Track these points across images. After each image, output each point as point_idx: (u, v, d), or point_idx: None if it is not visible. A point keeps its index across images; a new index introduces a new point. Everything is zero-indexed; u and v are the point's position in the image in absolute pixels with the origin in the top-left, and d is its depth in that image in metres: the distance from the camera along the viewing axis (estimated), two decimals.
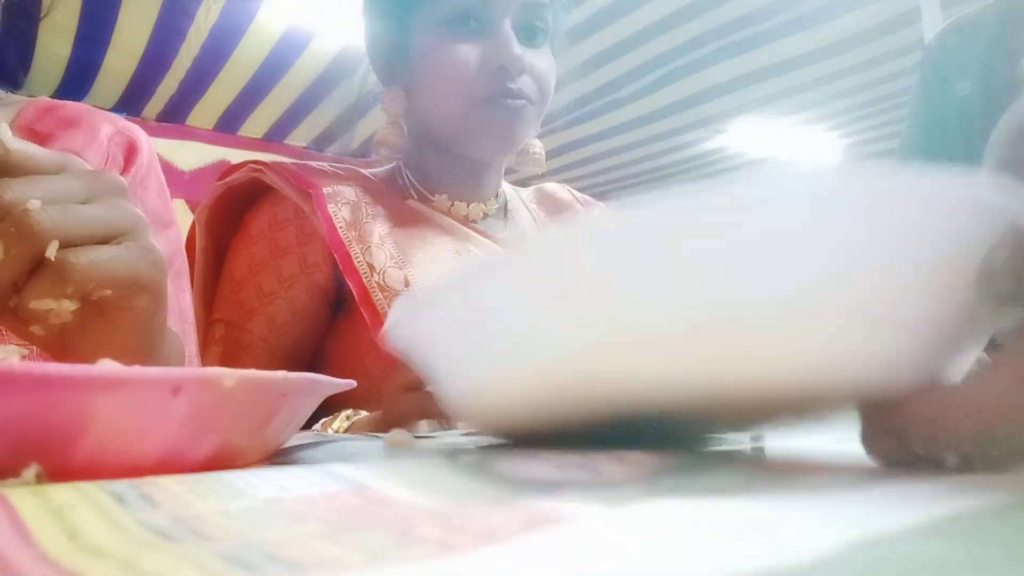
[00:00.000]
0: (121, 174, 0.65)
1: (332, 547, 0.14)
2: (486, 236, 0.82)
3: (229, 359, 0.75)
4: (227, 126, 4.47)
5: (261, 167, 0.77)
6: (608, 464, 0.23)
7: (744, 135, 4.72)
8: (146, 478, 0.21)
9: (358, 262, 0.73)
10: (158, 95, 3.98)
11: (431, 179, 0.84)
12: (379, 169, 0.88)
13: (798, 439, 0.35)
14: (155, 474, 0.22)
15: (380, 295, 0.71)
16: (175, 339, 0.53)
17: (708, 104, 4.22)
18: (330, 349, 0.77)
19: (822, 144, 4.95)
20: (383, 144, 0.80)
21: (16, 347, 0.28)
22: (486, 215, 0.85)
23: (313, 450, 0.33)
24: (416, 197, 0.83)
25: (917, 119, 1.79)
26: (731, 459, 0.26)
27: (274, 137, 4.62)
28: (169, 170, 4.36)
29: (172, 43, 3.37)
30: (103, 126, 0.66)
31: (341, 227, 0.74)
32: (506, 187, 0.91)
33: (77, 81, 3.55)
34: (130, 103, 4.04)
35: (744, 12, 3.24)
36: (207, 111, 4.24)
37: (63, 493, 0.18)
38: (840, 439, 0.35)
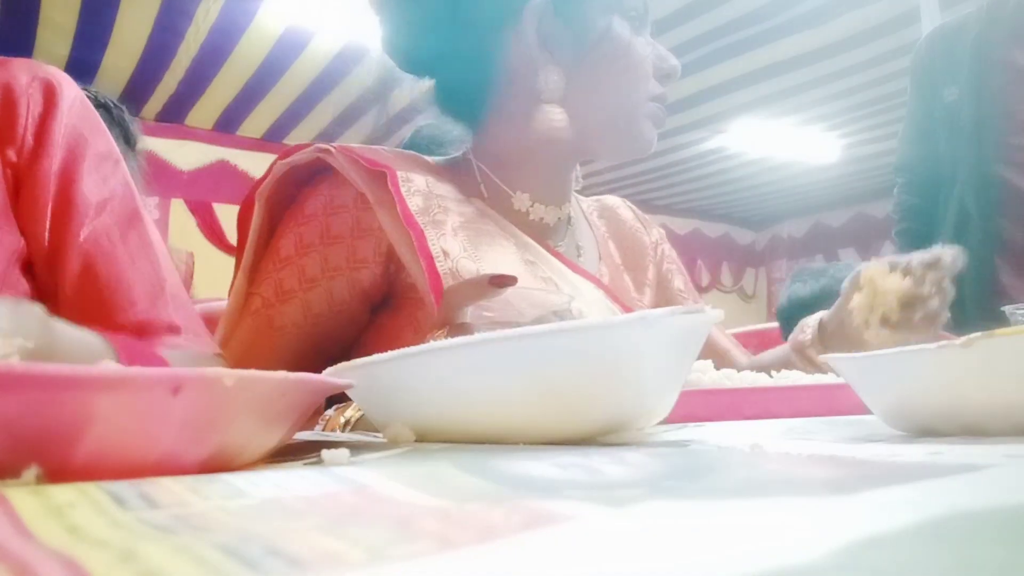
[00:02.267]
0: (44, 114, 0.64)
1: (332, 541, 0.14)
2: (547, 247, 0.79)
3: (260, 336, 0.74)
4: (226, 126, 4.47)
5: (329, 149, 0.73)
6: (608, 465, 0.23)
7: (744, 135, 4.73)
8: (146, 478, 0.21)
9: (433, 245, 0.70)
10: (157, 95, 3.98)
11: (515, 176, 0.80)
12: (441, 159, 0.84)
13: (798, 440, 0.35)
14: (155, 474, 0.22)
15: (451, 283, 0.67)
16: (88, 346, 0.52)
17: (708, 104, 4.23)
18: (371, 345, 0.76)
19: (821, 144, 4.95)
20: (550, 129, 0.75)
21: (20, 341, 0.28)
22: (559, 220, 0.82)
23: (313, 450, 0.33)
24: (487, 195, 0.79)
25: (911, 124, 1.80)
26: (730, 460, 0.26)
27: (273, 137, 4.62)
28: (168, 169, 4.37)
29: (171, 43, 3.37)
30: (19, 73, 0.65)
31: (415, 209, 0.71)
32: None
33: (76, 80, 3.55)
34: (129, 103, 4.01)
35: (744, 12, 3.24)
36: (206, 111, 4.24)
37: (63, 493, 0.18)
38: (840, 439, 0.35)
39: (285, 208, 0.77)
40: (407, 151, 0.82)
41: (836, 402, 0.51)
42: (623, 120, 0.76)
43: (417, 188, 0.74)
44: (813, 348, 0.78)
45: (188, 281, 1.91)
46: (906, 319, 0.66)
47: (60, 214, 0.62)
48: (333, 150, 0.73)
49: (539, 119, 0.75)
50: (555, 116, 0.75)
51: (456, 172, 0.81)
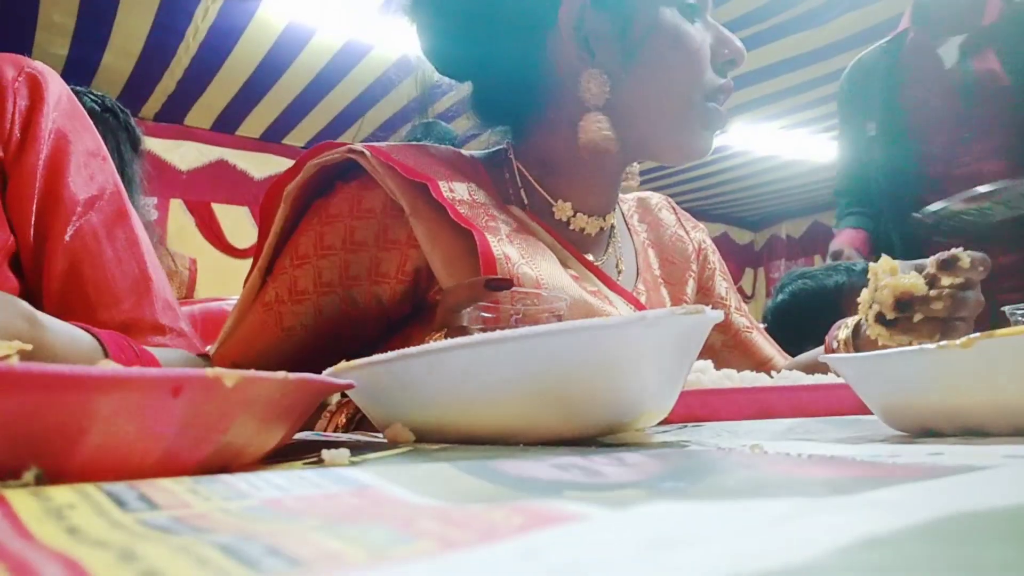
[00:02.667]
0: (31, 108, 0.64)
1: (332, 541, 0.14)
2: (584, 262, 0.75)
3: (267, 330, 0.72)
4: (225, 126, 4.47)
5: (364, 152, 0.69)
6: (609, 466, 0.23)
7: (743, 135, 4.73)
8: (146, 479, 0.21)
9: (495, 248, 0.66)
10: (156, 95, 3.98)
11: (558, 184, 0.75)
12: (479, 153, 0.79)
13: (798, 440, 0.35)
14: (155, 474, 0.22)
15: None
16: (76, 340, 0.53)
17: None
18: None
19: (820, 144, 4.95)
20: (596, 139, 0.69)
21: (18, 344, 0.28)
22: (602, 230, 0.78)
23: (313, 450, 0.33)
24: (525, 201, 0.75)
25: (843, 153, 1.81)
26: (730, 460, 0.26)
27: (272, 137, 4.63)
28: (166, 169, 4.37)
29: (170, 43, 3.37)
30: (6, 68, 0.65)
31: (465, 215, 0.67)
32: None
33: (74, 80, 3.55)
34: (128, 103, 4.01)
35: (743, 12, 3.24)
36: (205, 111, 4.24)
37: (63, 494, 0.18)
38: (840, 439, 0.35)
39: (308, 200, 0.74)
40: (442, 148, 0.77)
41: (836, 402, 0.51)
42: (675, 124, 0.70)
43: (461, 197, 0.69)
44: (843, 348, 0.74)
45: (191, 287, 1.91)
46: (905, 320, 0.60)
47: (46, 211, 0.62)
48: (367, 153, 0.69)
49: (583, 128, 0.69)
50: (599, 125, 0.69)
51: (494, 173, 0.77)
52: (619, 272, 0.79)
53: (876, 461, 0.25)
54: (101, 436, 0.20)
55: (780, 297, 1.56)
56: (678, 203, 0.99)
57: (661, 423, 0.40)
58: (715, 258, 0.94)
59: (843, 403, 0.50)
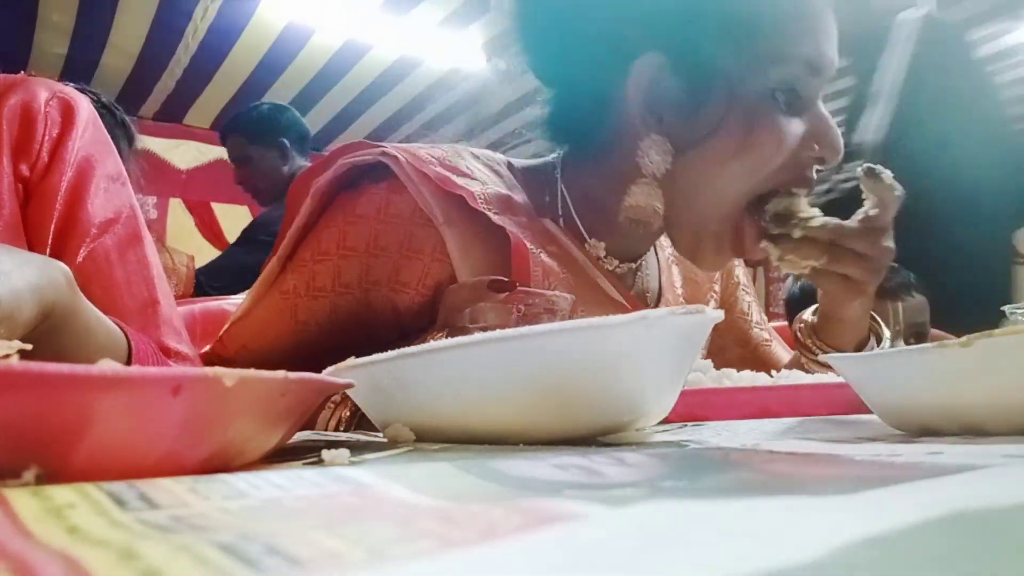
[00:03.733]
0: (62, 133, 0.65)
1: (332, 540, 0.14)
2: (616, 286, 0.72)
3: (280, 319, 0.72)
4: None
5: (395, 154, 0.67)
6: (608, 465, 0.23)
7: None
8: (146, 479, 0.21)
9: (534, 266, 0.65)
10: (155, 94, 3.97)
11: (597, 221, 0.72)
12: (521, 162, 0.77)
13: (798, 440, 0.35)
14: (155, 474, 0.22)
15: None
16: (108, 332, 0.54)
17: None
18: None
19: None
20: (642, 210, 0.65)
21: (18, 344, 0.28)
22: (630, 270, 0.76)
23: (313, 450, 0.33)
24: (562, 221, 0.73)
25: None
26: (730, 460, 0.26)
27: None
28: (166, 169, 4.37)
29: (169, 42, 3.36)
30: (39, 91, 0.66)
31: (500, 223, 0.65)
32: None
33: (74, 80, 3.54)
34: (127, 102, 4.01)
35: None
36: (204, 110, 4.24)
37: (63, 494, 0.18)
38: (840, 439, 0.35)
39: (333, 193, 0.73)
40: (482, 151, 0.75)
41: (836, 402, 0.51)
42: (715, 223, 0.65)
43: (494, 210, 0.67)
44: (805, 326, 0.75)
45: (189, 284, 1.92)
46: (785, 237, 0.60)
47: (63, 232, 0.64)
48: (401, 159, 0.67)
49: (633, 192, 0.66)
50: (650, 197, 0.65)
51: (533, 185, 0.74)
52: (647, 303, 0.78)
53: (876, 461, 0.25)
54: (101, 436, 0.20)
55: (792, 290, 1.57)
56: None
57: (661, 423, 0.40)
58: (740, 272, 0.92)
59: (843, 403, 0.50)
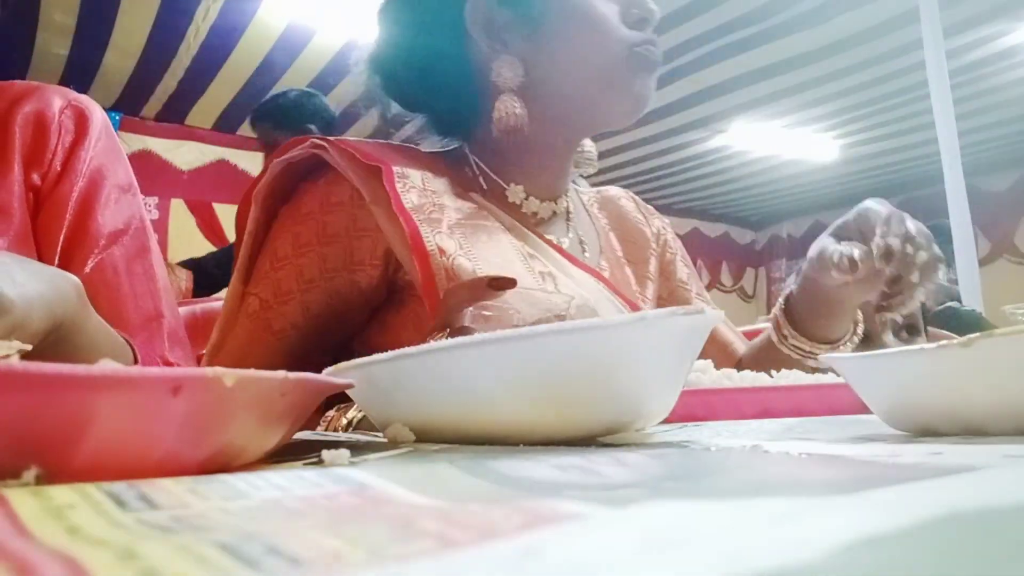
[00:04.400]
0: (75, 143, 0.65)
1: (332, 540, 0.14)
2: (547, 241, 0.78)
3: (257, 338, 0.73)
4: (226, 125, 4.47)
5: (324, 145, 0.72)
6: (608, 466, 0.23)
7: (743, 135, 4.73)
8: (146, 479, 0.21)
9: (428, 242, 0.69)
10: (157, 94, 3.98)
11: (508, 168, 0.79)
12: (439, 151, 0.83)
13: (798, 440, 0.35)
14: (155, 474, 0.22)
15: (445, 281, 0.67)
16: (114, 346, 0.54)
17: (707, 104, 4.23)
18: (373, 341, 0.75)
19: (821, 144, 4.95)
20: (507, 118, 0.73)
21: (18, 344, 0.28)
22: (555, 214, 0.82)
23: (313, 450, 0.33)
24: (484, 188, 0.79)
25: None
26: (730, 460, 0.26)
27: None
28: (168, 169, 4.37)
29: (171, 42, 3.37)
30: (54, 99, 0.66)
31: (410, 206, 0.70)
32: (570, 190, 0.87)
33: (75, 80, 3.55)
34: (129, 103, 4.04)
35: (744, 12, 3.24)
36: (206, 110, 4.24)
37: (63, 494, 0.18)
38: (840, 439, 0.35)
39: (282, 205, 0.76)
40: (404, 144, 0.81)
41: (836, 402, 0.51)
42: (600, 87, 0.73)
43: (413, 184, 0.72)
44: (781, 316, 0.78)
45: (187, 297, 1.96)
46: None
47: (72, 242, 0.64)
48: (328, 145, 0.72)
49: (496, 109, 0.73)
50: (508, 105, 0.73)
51: (453, 165, 0.80)
52: (584, 251, 0.83)
53: (876, 461, 0.25)
54: (101, 436, 0.20)
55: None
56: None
57: (661, 423, 0.40)
58: (676, 245, 0.97)
59: (843, 403, 0.50)
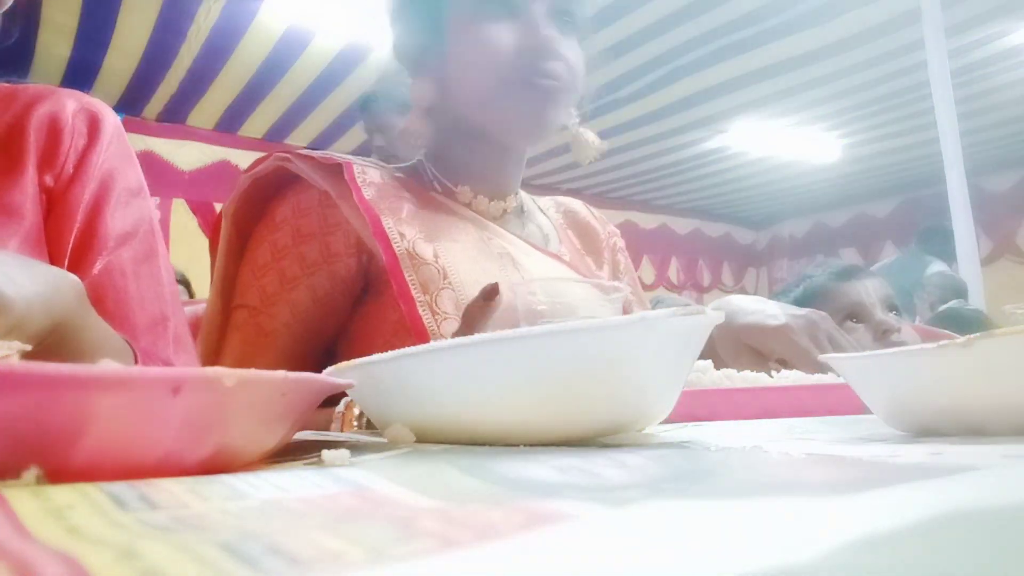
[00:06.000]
0: (87, 146, 0.66)
1: (333, 540, 0.14)
2: (507, 231, 0.83)
3: (251, 345, 0.75)
4: (227, 126, 4.47)
5: (288, 156, 0.77)
6: (608, 468, 0.23)
7: (744, 135, 4.72)
8: (146, 480, 0.21)
9: (388, 228, 0.74)
10: (158, 95, 3.98)
11: (454, 171, 0.85)
12: (401, 165, 0.89)
13: (798, 440, 0.35)
14: (155, 475, 0.22)
15: (409, 262, 0.72)
16: (115, 347, 0.54)
17: (708, 104, 4.22)
18: (356, 332, 0.78)
19: (822, 144, 4.95)
20: (410, 133, 0.82)
21: (18, 344, 0.28)
22: (505, 212, 0.86)
23: (313, 450, 0.33)
24: (439, 190, 0.84)
25: None
26: (730, 460, 0.26)
27: (274, 137, 4.62)
28: (169, 170, 4.37)
29: (172, 43, 3.37)
30: (67, 102, 0.67)
31: (371, 197, 0.75)
32: (521, 192, 0.92)
33: (77, 81, 3.55)
34: (130, 103, 4.04)
35: (744, 12, 3.23)
36: (207, 111, 4.24)
37: (63, 495, 0.18)
38: (840, 439, 0.35)
39: (255, 225, 0.80)
40: (369, 159, 0.86)
41: (836, 402, 0.51)
42: (493, 110, 0.78)
43: (371, 180, 0.78)
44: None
45: None
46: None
47: (81, 244, 0.64)
48: (291, 157, 0.77)
49: (407, 124, 0.82)
50: (412, 122, 0.82)
51: (412, 174, 0.86)
52: (546, 243, 0.89)
53: (876, 461, 0.25)
54: (101, 436, 0.20)
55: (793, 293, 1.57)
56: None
57: (661, 423, 0.40)
58: (626, 256, 1.03)
59: (843, 403, 0.50)
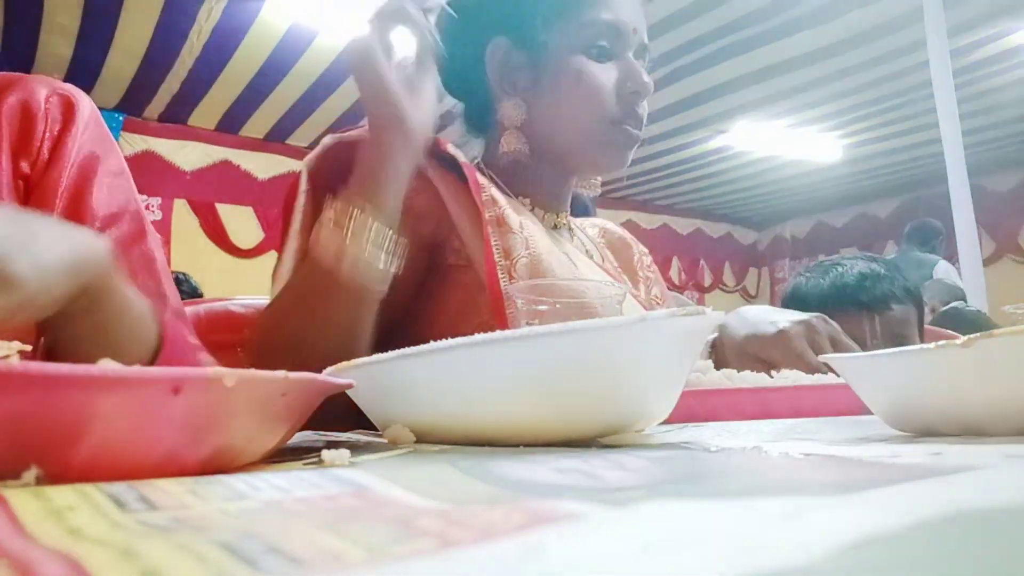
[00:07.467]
0: (62, 131, 0.66)
1: (333, 539, 0.14)
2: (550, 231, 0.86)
3: None
4: (229, 126, 4.47)
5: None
6: (608, 469, 0.23)
7: (745, 135, 4.72)
8: (146, 481, 0.21)
9: (484, 185, 0.78)
10: (160, 95, 3.98)
11: (518, 184, 0.88)
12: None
13: (798, 440, 0.35)
14: (155, 475, 0.22)
15: (496, 228, 0.76)
16: (143, 309, 0.55)
17: (710, 104, 4.22)
18: (424, 315, 0.79)
19: (823, 144, 4.94)
20: (510, 152, 0.85)
21: (18, 344, 0.28)
22: (557, 226, 0.90)
23: (313, 450, 0.33)
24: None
25: None
26: (731, 461, 0.26)
27: (275, 137, 4.63)
28: (170, 170, 4.38)
29: (174, 43, 3.37)
30: (38, 88, 0.66)
31: (463, 162, 0.78)
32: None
33: (78, 82, 3.55)
34: (132, 104, 4.04)
35: (744, 12, 3.23)
36: (209, 111, 4.24)
37: (63, 495, 0.18)
38: (840, 439, 0.35)
39: (326, 169, 0.80)
40: None
41: (836, 402, 0.51)
42: (585, 144, 0.83)
43: (460, 158, 0.81)
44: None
45: None
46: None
47: None
48: None
49: (503, 141, 0.85)
50: (512, 140, 0.85)
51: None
52: (589, 256, 0.92)
53: (876, 461, 0.25)
54: (101, 436, 0.20)
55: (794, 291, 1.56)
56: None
57: (662, 423, 0.40)
58: (653, 274, 1.07)
59: (843, 403, 0.50)
